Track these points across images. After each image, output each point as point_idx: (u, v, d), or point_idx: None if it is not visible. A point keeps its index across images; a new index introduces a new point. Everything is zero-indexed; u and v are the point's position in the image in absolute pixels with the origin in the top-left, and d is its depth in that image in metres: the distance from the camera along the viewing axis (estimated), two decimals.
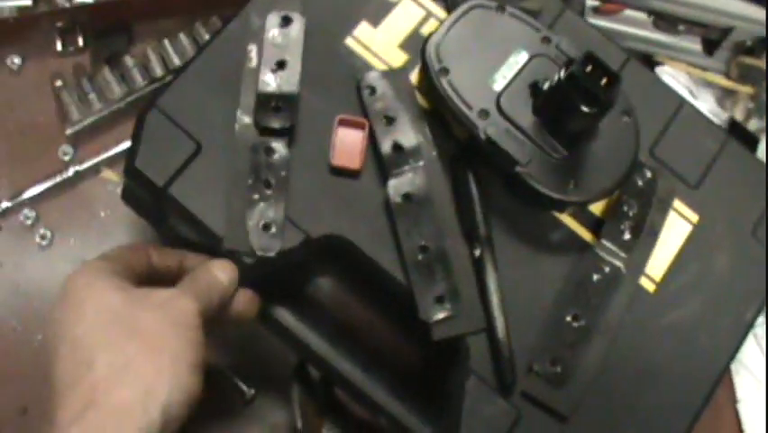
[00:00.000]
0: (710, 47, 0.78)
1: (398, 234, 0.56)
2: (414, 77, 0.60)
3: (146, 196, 0.59)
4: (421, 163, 0.57)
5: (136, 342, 0.46)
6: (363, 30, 0.61)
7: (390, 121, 0.58)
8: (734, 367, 0.74)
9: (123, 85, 0.71)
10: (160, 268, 0.54)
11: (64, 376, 0.46)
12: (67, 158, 0.70)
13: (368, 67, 0.60)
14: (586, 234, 0.59)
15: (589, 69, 0.52)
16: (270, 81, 0.58)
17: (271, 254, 0.55)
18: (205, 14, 0.74)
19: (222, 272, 0.54)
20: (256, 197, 0.56)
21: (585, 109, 0.52)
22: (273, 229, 0.55)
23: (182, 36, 0.72)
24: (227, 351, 0.68)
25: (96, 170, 0.71)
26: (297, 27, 0.59)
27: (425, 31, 0.61)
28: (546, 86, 0.55)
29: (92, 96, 0.70)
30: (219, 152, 0.57)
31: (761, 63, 0.75)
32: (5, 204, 0.69)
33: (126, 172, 0.59)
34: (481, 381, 0.55)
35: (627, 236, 0.58)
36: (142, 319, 0.47)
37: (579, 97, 0.52)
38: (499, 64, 0.57)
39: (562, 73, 0.53)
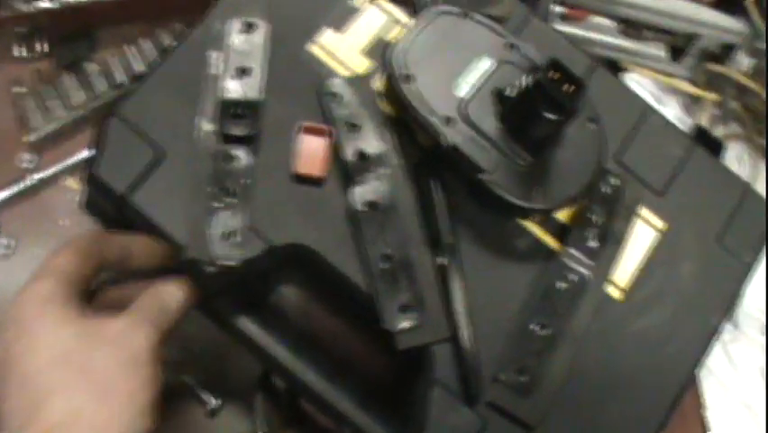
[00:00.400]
0: (676, 54, 0.78)
1: (362, 242, 0.55)
2: (378, 83, 0.59)
3: (107, 205, 0.58)
4: (385, 171, 0.57)
5: (88, 385, 0.46)
6: (327, 36, 0.60)
7: (354, 128, 0.58)
8: (701, 374, 0.74)
9: (85, 91, 0.70)
10: (111, 260, 0.54)
11: (14, 414, 0.45)
12: (28, 165, 0.69)
13: (332, 73, 0.59)
14: (552, 242, 0.59)
15: (553, 75, 0.51)
16: (233, 88, 0.57)
17: (233, 263, 0.54)
18: (167, 20, 0.73)
19: (173, 296, 0.53)
20: (218, 205, 0.55)
21: (549, 116, 0.52)
22: (235, 238, 0.54)
23: (145, 42, 0.71)
24: (191, 361, 0.67)
25: (57, 178, 0.69)
26: (260, 33, 0.59)
27: (390, 37, 0.61)
28: (511, 92, 0.55)
29: (53, 102, 0.69)
30: (182, 160, 0.56)
31: (727, 70, 0.75)
32: None
33: (87, 181, 0.58)
34: (447, 390, 0.54)
35: (593, 244, 0.58)
36: (95, 359, 0.47)
37: (543, 104, 0.52)
38: (464, 71, 0.57)
39: (527, 80, 0.53)
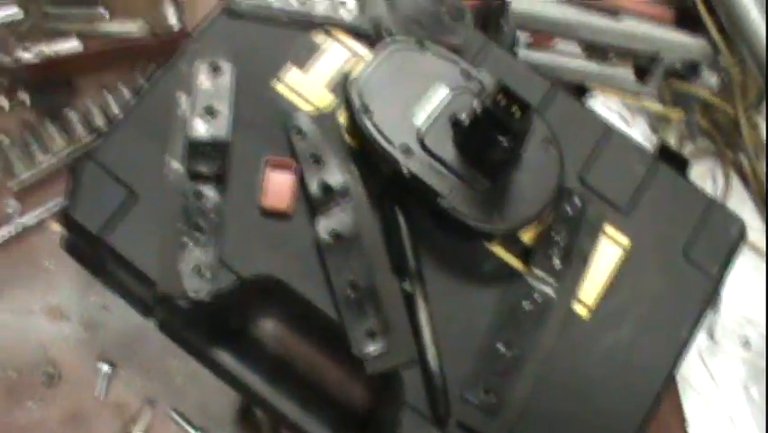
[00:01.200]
0: (642, 74, 0.80)
1: (329, 271, 0.57)
2: (341, 117, 0.61)
3: (84, 244, 0.60)
4: (349, 202, 0.58)
5: None
6: (291, 73, 0.62)
7: (318, 161, 0.59)
8: (682, 389, 0.74)
9: (65, 138, 0.73)
10: None
11: None
12: (12, 211, 0.71)
13: (295, 109, 0.61)
14: (516, 264, 0.60)
15: (501, 99, 0.53)
16: (200, 128, 0.59)
17: (204, 297, 0.56)
18: (144, 65, 0.75)
19: None
20: (188, 241, 0.57)
21: (501, 139, 0.54)
22: (205, 272, 0.56)
23: (123, 87, 0.74)
24: (173, 393, 0.68)
25: (40, 222, 0.71)
26: (226, 74, 0.61)
27: (349, 72, 0.63)
28: (465, 119, 0.56)
29: (35, 149, 0.72)
30: (153, 199, 0.58)
31: (691, 88, 0.77)
32: None
33: (64, 222, 0.60)
34: (416, 412, 0.55)
35: (557, 263, 0.59)
36: None
37: (494, 128, 0.53)
38: (421, 100, 0.58)
39: (478, 105, 0.54)
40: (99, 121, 0.73)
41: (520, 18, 0.76)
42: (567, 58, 0.79)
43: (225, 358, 0.61)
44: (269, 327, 0.63)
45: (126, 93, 0.74)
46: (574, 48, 0.80)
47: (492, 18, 0.77)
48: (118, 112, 0.73)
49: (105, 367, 0.68)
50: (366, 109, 0.58)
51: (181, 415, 0.67)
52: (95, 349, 0.69)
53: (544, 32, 0.77)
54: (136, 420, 0.67)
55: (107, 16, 0.76)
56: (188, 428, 0.67)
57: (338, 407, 0.61)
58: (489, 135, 0.54)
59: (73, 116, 0.73)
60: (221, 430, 0.67)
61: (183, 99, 0.60)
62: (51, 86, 0.75)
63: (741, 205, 0.77)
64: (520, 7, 0.76)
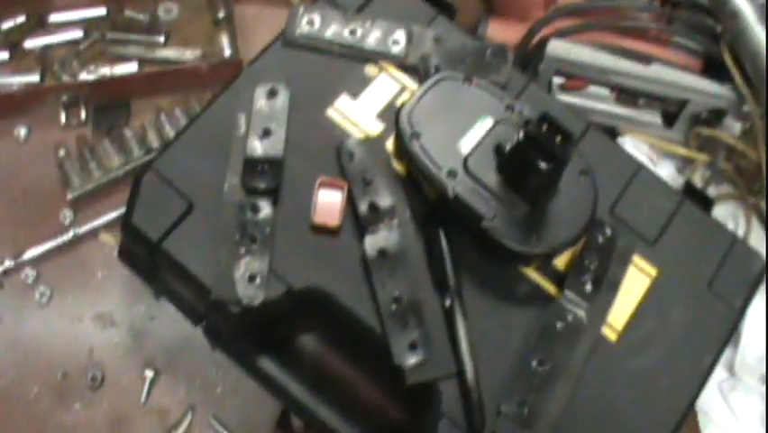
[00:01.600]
0: (669, 119, 0.84)
1: (374, 286, 0.60)
2: (390, 144, 0.65)
3: (141, 251, 0.63)
4: (395, 221, 0.62)
5: None
6: (343, 101, 0.67)
7: (367, 183, 0.63)
8: (703, 423, 0.76)
9: (121, 155, 0.77)
10: None
11: None
12: (67, 221, 0.75)
13: (346, 134, 0.65)
14: (550, 287, 0.63)
15: (544, 128, 0.57)
16: (257, 147, 0.63)
17: (256, 304, 0.59)
18: (198, 91, 0.80)
19: None
20: (242, 251, 0.60)
21: (542, 165, 0.57)
22: (258, 281, 0.60)
23: (178, 111, 0.78)
24: (213, 401, 0.71)
25: (94, 233, 0.75)
26: (282, 98, 0.65)
27: (399, 101, 0.67)
28: (509, 146, 0.60)
29: (92, 164, 0.76)
30: (209, 211, 0.62)
31: (717, 133, 0.81)
32: (8, 263, 0.74)
33: (123, 229, 0.64)
34: (453, 423, 0.58)
35: (589, 288, 0.62)
36: None
37: (536, 154, 0.57)
38: (467, 129, 0.62)
39: (521, 133, 0.58)
40: (154, 141, 0.77)
41: (555, 62, 0.80)
42: (598, 101, 0.84)
43: (269, 366, 0.64)
44: (311, 339, 0.66)
45: (180, 115, 0.78)
46: (605, 92, 0.84)
47: (529, 61, 0.81)
48: (172, 133, 0.77)
49: (150, 374, 0.71)
50: (415, 135, 0.61)
51: (221, 422, 0.70)
52: (140, 356, 0.72)
53: (577, 76, 0.81)
54: (177, 426, 0.70)
55: (164, 43, 0.81)
56: None
57: (375, 418, 0.63)
58: (531, 161, 0.58)
59: (129, 135, 0.77)
60: None
61: (242, 120, 0.64)
62: (110, 106, 0.80)
63: (759, 245, 0.80)
64: (556, 52, 0.80)
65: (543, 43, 0.81)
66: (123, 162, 0.77)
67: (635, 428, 0.61)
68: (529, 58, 0.82)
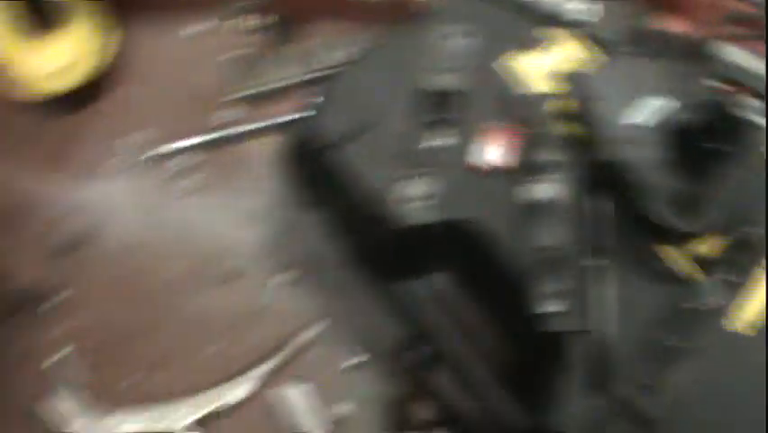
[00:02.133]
0: None
1: (527, 231, 0.63)
2: (561, 104, 0.67)
3: (310, 159, 0.66)
4: (557, 175, 0.64)
5: None
6: (518, 55, 0.69)
7: (537, 135, 0.65)
8: None
9: (290, 66, 0.80)
10: None
11: None
12: (237, 117, 0.78)
13: (524, 86, 0.68)
14: (689, 268, 0.65)
15: (722, 109, 0.58)
16: (438, 80, 0.66)
17: (416, 224, 0.62)
18: (379, 24, 0.82)
19: None
20: (411, 174, 0.63)
21: (715, 146, 0.59)
22: (421, 204, 0.63)
23: (352, 39, 0.81)
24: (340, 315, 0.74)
25: (254, 134, 0.78)
26: (461, 41, 0.68)
27: (581, 67, 0.68)
28: (683, 124, 0.62)
29: (271, 67, 0.79)
30: (383, 132, 0.65)
31: None
32: (166, 148, 0.78)
33: (294, 134, 0.67)
34: (579, 378, 0.60)
35: (729, 276, 0.64)
36: None
37: (710, 135, 0.59)
38: (641, 101, 0.64)
39: (699, 111, 0.60)
40: (327, 59, 0.80)
41: (725, 66, 0.81)
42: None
43: (402, 289, 0.67)
44: (443, 278, 0.69)
45: (354, 44, 0.81)
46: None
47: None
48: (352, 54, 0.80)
49: (285, 277, 0.74)
50: (590, 100, 0.64)
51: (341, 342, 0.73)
52: (279, 259, 0.75)
53: (740, 84, 0.82)
54: (304, 330, 0.73)
55: None
56: (354, 350, 0.72)
57: (499, 361, 0.66)
58: (703, 141, 0.60)
59: (302, 49, 0.81)
60: (381, 361, 0.73)
61: (427, 53, 0.67)
62: (287, 21, 0.83)
63: None
64: (731, 57, 0.81)
65: (703, 44, 0.82)
66: (297, 71, 0.80)
67: (759, 420, 0.62)
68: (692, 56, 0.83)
